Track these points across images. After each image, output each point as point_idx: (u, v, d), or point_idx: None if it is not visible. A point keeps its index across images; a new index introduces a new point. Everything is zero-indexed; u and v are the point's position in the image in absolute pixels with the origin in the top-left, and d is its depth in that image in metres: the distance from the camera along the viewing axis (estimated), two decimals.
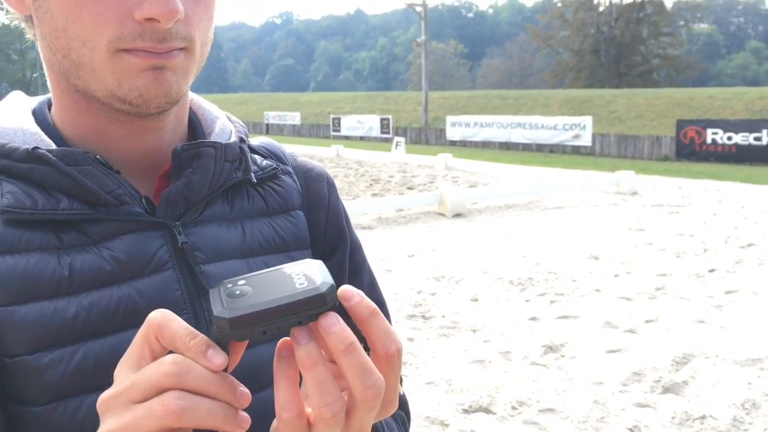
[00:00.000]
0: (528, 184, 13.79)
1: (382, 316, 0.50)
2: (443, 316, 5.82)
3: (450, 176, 16.45)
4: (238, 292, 0.49)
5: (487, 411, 4.05)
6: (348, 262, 0.89)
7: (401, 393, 0.82)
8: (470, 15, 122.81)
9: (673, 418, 3.93)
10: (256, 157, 0.85)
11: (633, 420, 3.90)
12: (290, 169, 0.88)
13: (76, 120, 0.72)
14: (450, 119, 28.91)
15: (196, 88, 0.79)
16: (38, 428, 0.64)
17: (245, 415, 0.50)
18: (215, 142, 0.77)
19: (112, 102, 0.67)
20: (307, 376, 0.47)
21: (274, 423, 0.51)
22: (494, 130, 26.64)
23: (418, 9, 33.36)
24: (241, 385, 0.50)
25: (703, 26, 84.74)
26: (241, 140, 0.82)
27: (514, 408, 4.08)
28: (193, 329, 0.49)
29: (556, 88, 52.42)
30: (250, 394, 0.50)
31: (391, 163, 20.03)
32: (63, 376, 0.64)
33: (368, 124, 32.19)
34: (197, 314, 0.71)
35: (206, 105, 0.86)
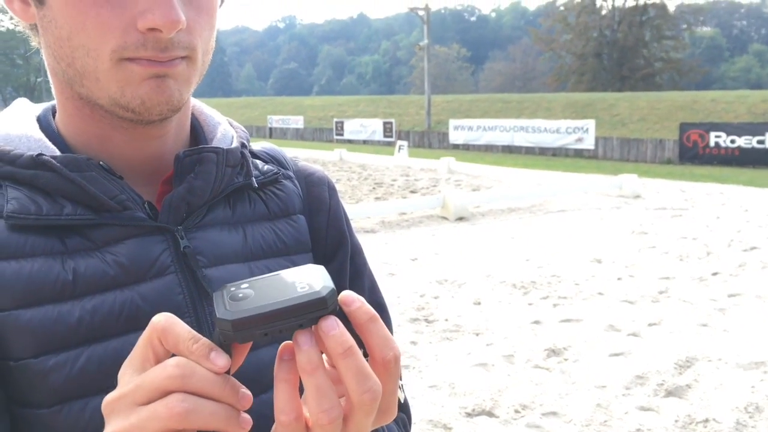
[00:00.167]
0: (531, 188, 13.79)
1: (381, 322, 0.51)
2: (446, 320, 5.82)
3: (453, 180, 16.45)
4: (240, 295, 0.50)
5: (490, 414, 4.05)
6: (349, 265, 0.90)
7: (401, 399, 0.82)
8: (473, 19, 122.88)
9: (676, 421, 3.92)
10: (258, 161, 0.86)
11: (636, 423, 3.90)
12: (291, 174, 0.89)
13: (80, 127, 0.73)
14: (453, 123, 28.90)
15: (200, 93, 0.80)
16: (43, 430, 0.65)
17: (247, 416, 0.51)
18: (217, 148, 0.78)
19: (115, 109, 0.68)
20: (307, 382, 0.48)
21: (274, 426, 0.52)
22: (497, 134, 26.63)
23: (421, 13, 33.41)
24: (243, 387, 0.50)
25: (706, 29, 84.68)
26: (243, 145, 0.83)
27: (517, 411, 4.07)
28: (195, 333, 0.50)
29: (559, 91, 52.41)
30: (251, 396, 0.51)
31: (394, 166, 20.05)
32: (67, 379, 0.65)
33: (371, 127, 32.21)
34: (199, 318, 0.72)
35: (208, 111, 0.87)
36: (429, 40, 33.73)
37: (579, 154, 23.90)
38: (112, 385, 0.52)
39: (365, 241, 9.21)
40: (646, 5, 55.39)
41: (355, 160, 22.02)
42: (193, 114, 0.84)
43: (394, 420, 0.86)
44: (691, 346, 5.10)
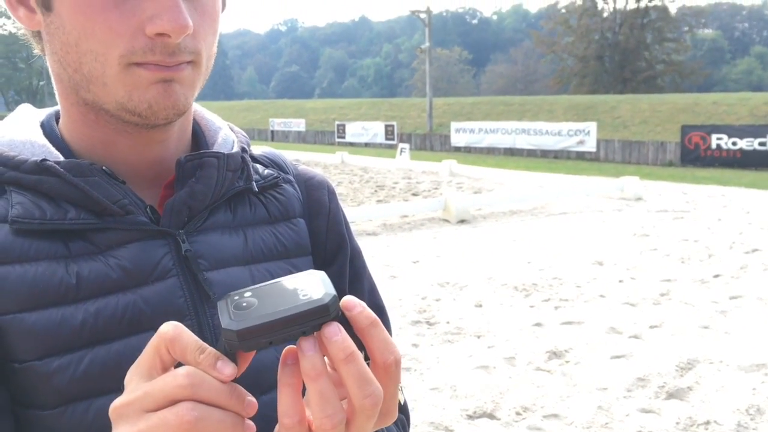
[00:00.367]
0: (532, 190, 13.78)
1: (382, 326, 0.52)
2: (448, 322, 5.83)
3: (454, 182, 16.46)
4: (245, 304, 0.51)
5: (491, 417, 4.05)
6: (348, 268, 0.91)
7: (401, 401, 0.83)
8: (474, 21, 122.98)
9: (678, 423, 3.92)
10: (258, 166, 0.87)
11: (637, 426, 3.90)
12: (291, 178, 0.90)
13: (84, 132, 0.74)
14: (454, 125, 28.92)
15: (202, 96, 0.81)
16: (46, 431, 0.66)
17: (251, 423, 0.52)
18: (218, 153, 0.79)
19: (122, 114, 0.70)
20: (311, 387, 0.49)
21: (277, 427, 0.53)
22: (499, 136, 26.65)
23: (422, 16, 33.45)
24: (249, 394, 0.52)
25: (707, 32, 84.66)
26: (243, 150, 0.84)
27: (518, 414, 4.08)
28: (203, 343, 0.51)
29: (561, 94, 52.40)
30: (257, 404, 0.52)
31: (396, 169, 20.06)
32: (71, 381, 0.66)
33: (373, 130, 32.24)
34: (200, 320, 0.72)
35: (209, 116, 0.88)
36: (430, 42, 33.77)
37: (581, 156, 23.90)
38: (115, 387, 0.53)
39: (367, 244, 9.25)
40: (647, 7, 55.40)
41: (356, 163, 22.02)
42: (194, 119, 0.85)
43: (395, 423, 0.87)
44: (693, 348, 5.10)
